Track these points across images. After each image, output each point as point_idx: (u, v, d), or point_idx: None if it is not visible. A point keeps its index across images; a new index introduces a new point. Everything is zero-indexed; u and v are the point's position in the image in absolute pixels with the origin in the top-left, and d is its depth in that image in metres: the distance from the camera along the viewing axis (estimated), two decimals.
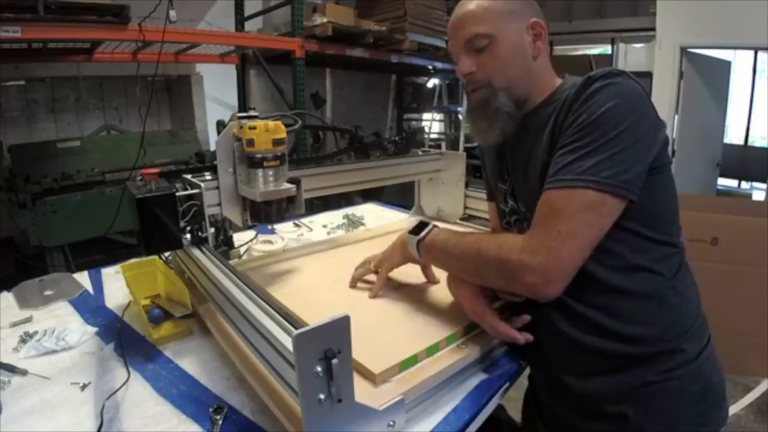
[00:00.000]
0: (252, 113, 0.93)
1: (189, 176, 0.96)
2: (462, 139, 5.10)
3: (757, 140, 6.87)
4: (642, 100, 0.71)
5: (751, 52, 6.33)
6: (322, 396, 0.53)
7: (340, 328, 0.53)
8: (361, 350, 0.64)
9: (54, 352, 0.85)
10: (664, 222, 0.76)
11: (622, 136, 0.68)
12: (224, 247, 1.13)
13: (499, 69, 0.82)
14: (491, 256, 0.73)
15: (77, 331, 0.91)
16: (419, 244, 0.86)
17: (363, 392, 0.63)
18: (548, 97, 0.84)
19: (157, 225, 0.85)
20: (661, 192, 0.74)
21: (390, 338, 0.77)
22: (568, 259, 0.68)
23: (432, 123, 6.26)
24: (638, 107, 0.70)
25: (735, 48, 5.18)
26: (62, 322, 0.96)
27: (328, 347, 0.52)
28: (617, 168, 0.67)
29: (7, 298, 1.08)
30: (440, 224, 0.89)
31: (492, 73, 0.83)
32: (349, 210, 1.86)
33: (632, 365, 0.71)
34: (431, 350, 0.74)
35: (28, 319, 0.98)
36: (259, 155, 0.89)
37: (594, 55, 6.27)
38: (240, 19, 3.88)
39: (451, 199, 1.49)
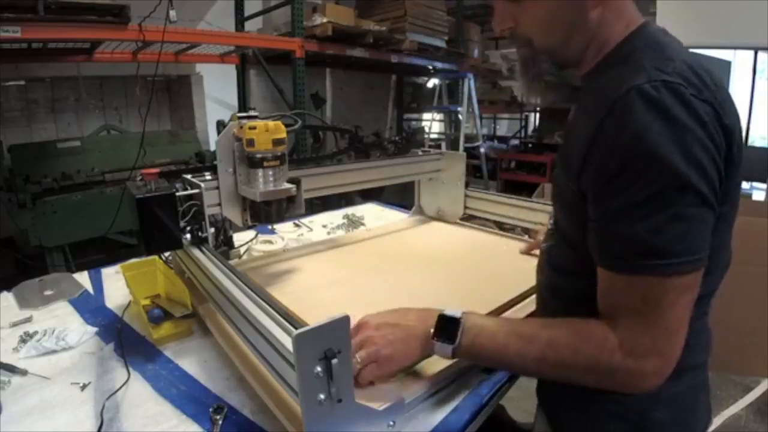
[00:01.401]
0: (252, 113, 0.93)
1: (189, 176, 0.96)
2: (462, 139, 5.10)
3: (757, 140, 6.87)
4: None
5: (751, 52, 6.32)
6: (322, 396, 0.53)
7: (340, 328, 0.53)
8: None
9: (54, 352, 0.85)
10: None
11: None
12: (224, 247, 1.13)
13: (540, 25, 0.66)
14: (582, 365, 0.60)
15: (77, 331, 0.91)
16: (455, 352, 0.66)
17: (363, 392, 0.63)
18: (600, 62, 0.66)
19: (157, 225, 0.85)
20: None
21: None
22: (679, 351, 0.58)
23: (432, 123, 6.25)
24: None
25: (735, 48, 5.18)
26: (62, 322, 0.96)
27: (328, 347, 0.52)
28: (700, 230, 0.55)
29: (7, 298, 1.08)
30: (469, 310, 0.69)
31: (531, 30, 0.66)
32: (349, 210, 1.86)
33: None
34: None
35: (28, 319, 0.98)
36: (259, 155, 0.89)
37: None
38: (240, 19, 3.88)
39: (451, 199, 1.49)
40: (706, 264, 0.56)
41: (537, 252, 1.17)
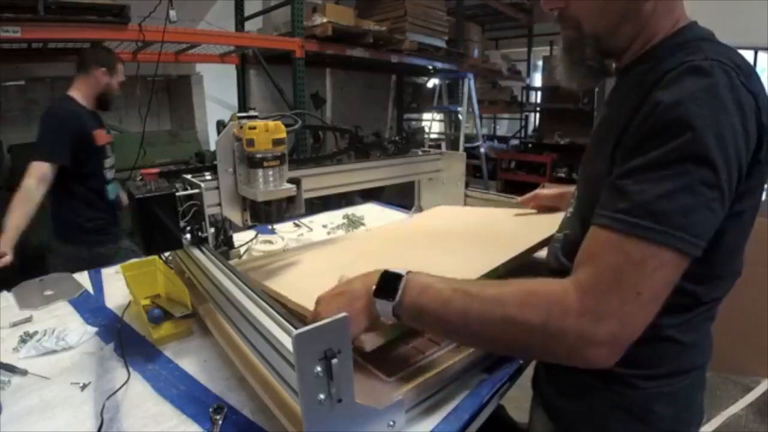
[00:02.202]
0: (252, 113, 0.93)
1: (189, 176, 0.96)
2: (462, 139, 5.10)
3: None
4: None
5: (751, 52, 6.34)
6: (322, 396, 0.53)
7: (340, 327, 0.53)
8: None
9: (54, 352, 0.85)
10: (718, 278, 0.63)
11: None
12: (224, 247, 1.13)
13: (593, 10, 0.65)
14: (530, 325, 0.55)
15: (77, 331, 0.91)
16: (396, 311, 0.63)
17: (363, 392, 0.63)
18: (647, 51, 0.65)
19: (157, 225, 0.85)
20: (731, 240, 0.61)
21: None
22: (641, 327, 0.55)
23: (432, 123, 6.26)
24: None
25: (735, 48, 5.18)
26: (62, 322, 0.96)
27: (328, 347, 0.52)
28: (705, 215, 0.53)
29: (7, 298, 1.08)
30: (410, 266, 0.66)
31: (583, 15, 0.66)
32: (349, 210, 1.86)
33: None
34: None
35: (28, 319, 0.98)
36: (259, 155, 0.89)
37: None
38: (240, 19, 3.88)
39: (451, 199, 1.49)
40: (697, 254, 0.54)
41: (531, 210, 1.20)
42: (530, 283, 0.59)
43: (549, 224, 0.93)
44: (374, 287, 0.64)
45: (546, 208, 1.18)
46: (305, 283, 0.88)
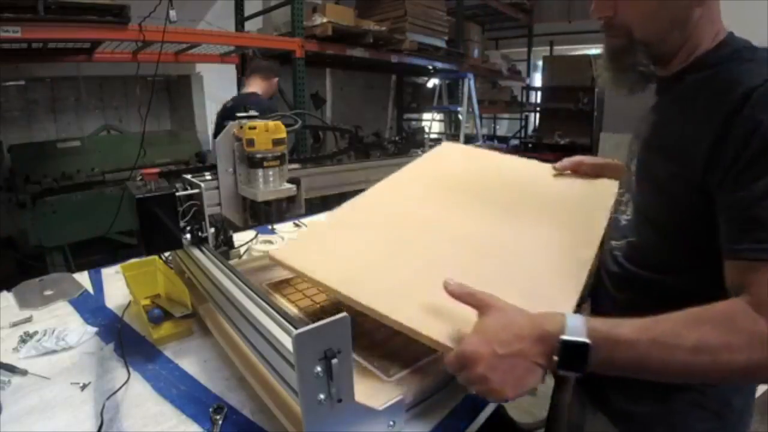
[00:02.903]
0: (252, 113, 0.93)
1: (189, 176, 0.96)
2: (462, 139, 5.10)
3: None
4: None
5: None
6: (322, 396, 0.53)
7: (340, 327, 0.53)
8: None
9: (54, 352, 0.85)
10: None
11: None
12: (224, 247, 1.13)
13: (645, 16, 0.66)
14: (738, 362, 0.52)
15: (77, 331, 0.91)
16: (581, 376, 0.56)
17: (363, 392, 0.63)
18: (699, 58, 0.67)
19: (157, 225, 0.85)
20: None
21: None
22: None
23: (432, 123, 6.26)
24: None
25: None
26: (62, 322, 0.96)
27: (328, 347, 0.52)
28: None
29: (7, 298, 1.08)
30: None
31: (633, 21, 0.67)
32: None
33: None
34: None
35: (28, 319, 0.98)
36: (259, 155, 0.89)
37: (594, 56, 6.27)
38: (240, 19, 3.88)
39: None
40: None
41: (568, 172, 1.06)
42: (718, 318, 0.55)
43: (607, 189, 0.91)
44: (556, 359, 0.55)
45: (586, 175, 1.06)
46: (414, 295, 0.69)
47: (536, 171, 1.10)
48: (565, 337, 0.54)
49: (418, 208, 0.96)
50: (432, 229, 0.89)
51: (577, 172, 1.06)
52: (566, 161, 1.07)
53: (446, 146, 1.26)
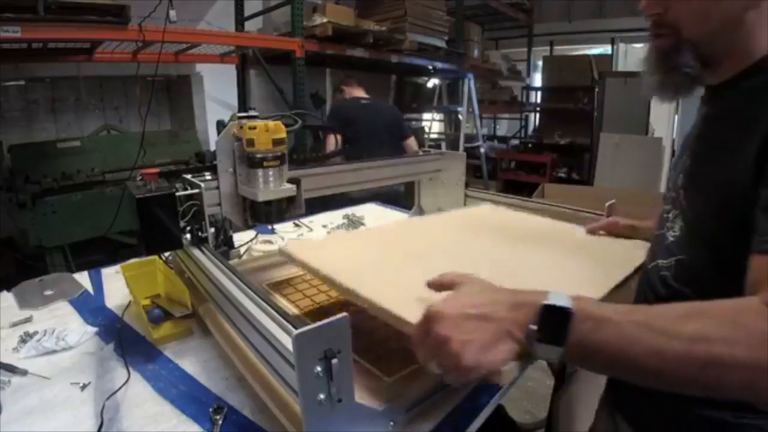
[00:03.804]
0: (252, 113, 0.93)
1: (189, 176, 0.96)
2: (462, 139, 5.10)
3: None
4: None
5: None
6: (322, 396, 0.53)
7: (340, 327, 0.53)
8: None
9: (54, 352, 0.85)
10: None
11: None
12: (224, 247, 1.13)
13: (695, 16, 0.64)
14: (739, 363, 0.47)
15: (77, 331, 0.91)
16: (564, 356, 0.51)
17: (363, 392, 0.63)
18: (755, 65, 0.63)
19: (157, 225, 0.85)
20: None
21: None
22: None
23: (432, 123, 6.26)
24: None
25: None
26: (62, 322, 0.96)
27: (328, 347, 0.52)
28: None
29: (7, 298, 1.08)
30: (580, 292, 0.52)
31: (683, 19, 0.65)
32: (349, 210, 1.86)
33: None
34: None
35: (28, 319, 0.98)
36: (259, 155, 0.89)
37: (594, 56, 6.27)
38: (240, 19, 3.88)
39: (451, 199, 1.49)
40: None
41: (602, 231, 1.05)
42: (727, 311, 0.50)
43: (638, 248, 0.91)
44: (534, 327, 0.50)
45: (617, 236, 1.04)
46: (392, 285, 0.72)
47: (568, 229, 1.10)
48: (546, 301, 0.50)
49: (438, 236, 1.01)
50: (446, 251, 0.91)
51: (611, 233, 1.04)
52: (601, 222, 1.06)
53: (485, 207, 1.32)
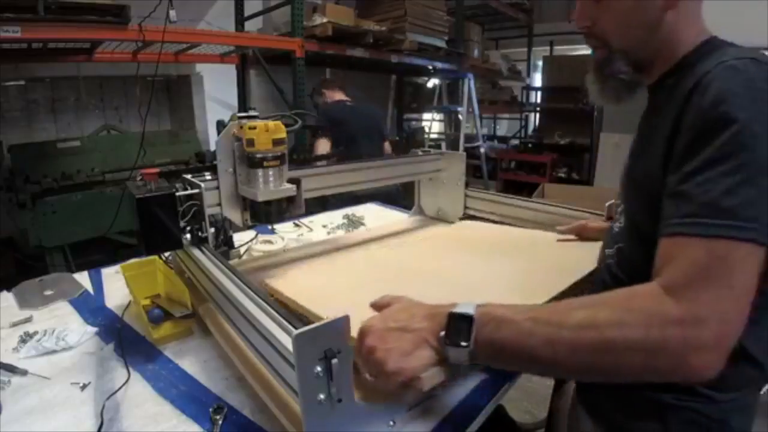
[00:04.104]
0: (252, 113, 0.93)
1: (189, 176, 0.97)
2: (462, 139, 5.10)
3: None
4: None
5: None
6: (322, 396, 0.53)
7: (340, 327, 0.53)
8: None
9: (54, 352, 0.85)
10: None
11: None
12: (224, 247, 1.14)
13: (618, 26, 0.68)
14: (629, 343, 0.50)
15: (77, 331, 0.91)
16: (472, 356, 0.56)
17: (363, 392, 0.63)
18: (677, 63, 0.67)
19: (157, 225, 0.85)
20: None
21: None
22: (741, 324, 0.51)
23: (432, 123, 6.25)
24: None
25: None
26: (62, 322, 0.96)
27: (328, 347, 0.52)
28: None
29: (7, 298, 1.08)
30: (483, 300, 0.59)
31: (609, 31, 0.69)
32: (349, 210, 1.86)
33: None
34: None
35: (28, 319, 0.98)
36: (259, 155, 0.89)
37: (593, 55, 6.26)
38: (240, 19, 3.88)
39: (451, 199, 1.49)
40: None
41: (571, 237, 1.12)
42: (618, 298, 0.55)
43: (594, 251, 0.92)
44: (443, 333, 0.57)
45: (589, 240, 1.10)
46: (331, 296, 0.87)
47: (539, 238, 1.18)
48: (452, 310, 0.57)
49: (405, 259, 1.09)
50: (411, 273, 1.00)
51: (582, 236, 1.11)
52: (570, 226, 1.13)
53: (466, 223, 1.41)
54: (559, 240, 1.14)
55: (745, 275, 0.51)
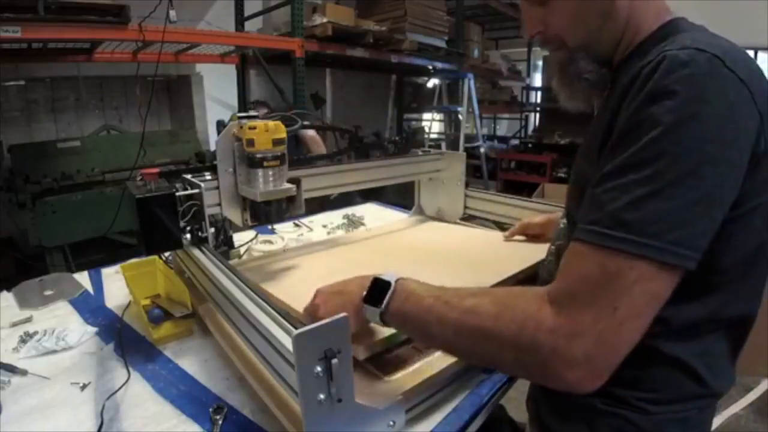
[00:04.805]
0: (252, 113, 0.93)
1: (189, 176, 0.96)
2: (462, 139, 5.10)
3: None
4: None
5: (751, 52, 6.34)
6: (322, 396, 0.53)
7: (340, 328, 0.53)
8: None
9: (54, 352, 0.85)
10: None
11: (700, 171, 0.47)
12: (224, 247, 1.13)
13: (570, 22, 0.64)
14: (502, 338, 0.53)
15: (77, 331, 0.91)
16: (383, 317, 0.64)
17: (363, 392, 0.63)
18: (631, 52, 0.63)
19: (157, 225, 0.85)
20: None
21: None
22: (622, 347, 0.49)
23: (432, 123, 6.25)
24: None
25: None
26: (62, 322, 0.96)
27: (328, 347, 0.52)
28: (688, 219, 0.48)
29: (7, 298, 1.08)
30: (402, 273, 0.67)
31: (562, 29, 0.64)
32: (349, 210, 1.86)
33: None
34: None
35: (28, 319, 0.98)
36: (259, 155, 0.89)
37: None
38: (240, 19, 3.88)
39: (451, 199, 1.49)
40: (687, 265, 0.49)
41: (520, 237, 1.20)
42: (507, 294, 0.58)
43: (538, 251, 0.94)
44: (364, 293, 0.66)
45: (534, 236, 1.17)
46: (304, 290, 0.87)
47: (493, 238, 1.27)
48: (376, 275, 0.67)
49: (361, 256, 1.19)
50: (366, 265, 1.04)
51: (527, 234, 1.18)
52: (515, 227, 1.20)
53: (431, 224, 1.49)
54: (506, 239, 1.22)
55: (637, 298, 0.49)
